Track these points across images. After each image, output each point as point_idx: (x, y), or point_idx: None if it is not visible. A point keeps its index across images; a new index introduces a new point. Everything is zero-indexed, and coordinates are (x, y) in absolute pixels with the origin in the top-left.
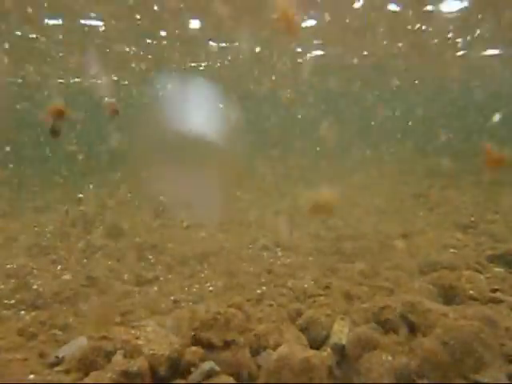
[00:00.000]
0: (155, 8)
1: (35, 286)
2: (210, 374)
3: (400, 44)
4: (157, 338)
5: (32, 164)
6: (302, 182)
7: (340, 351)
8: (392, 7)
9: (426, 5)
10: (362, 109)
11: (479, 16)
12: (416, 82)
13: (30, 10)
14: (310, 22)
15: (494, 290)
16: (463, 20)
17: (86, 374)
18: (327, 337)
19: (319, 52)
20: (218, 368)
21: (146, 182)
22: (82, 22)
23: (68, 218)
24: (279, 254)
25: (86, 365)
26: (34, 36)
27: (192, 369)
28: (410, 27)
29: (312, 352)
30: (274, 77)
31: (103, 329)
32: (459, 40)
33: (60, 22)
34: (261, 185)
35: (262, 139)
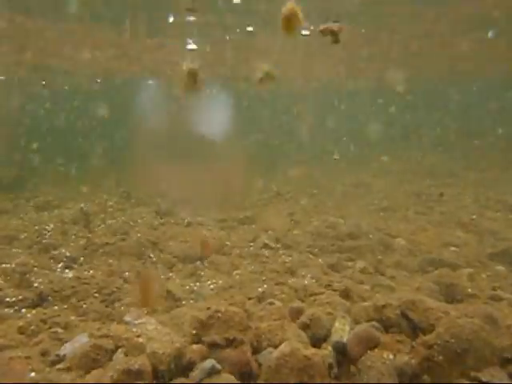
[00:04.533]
0: None
1: (36, 284)
2: (211, 373)
3: None
4: (158, 336)
5: (35, 162)
6: (302, 182)
7: (341, 349)
8: None
9: None
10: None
11: None
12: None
13: None
14: None
15: (495, 288)
16: None
17: (88, 372)
18: (328, 335)
19: None
20: (219, 366)
21: (147, 180)
22: None
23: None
24: (280, 252)
25: (88, 363)
26: None
27: (193, 367)
28: None
29: (313, 350)
30: None
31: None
32: None
33: None
34: (261, 184)
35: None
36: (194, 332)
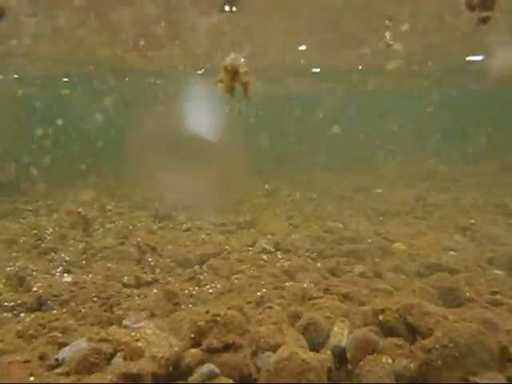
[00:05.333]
0: None
1: (35, 288)
2: (209, 377)
3: None
4: (157, 340)
5: (33, 165)
6: (301, 184)
7: (340, 353)
8: None
9: None
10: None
11: None
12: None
13: None
14: None
15: (494, 293)
16: None
17: (86, 376)
18: (327, 339)
19: None
20: (217, 370)
21: (146, 184)
22: None
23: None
24: (279, 256)
25: (86, 367)
26: None
27: (192, 371)
28: None
29: (312, 354)
30: None
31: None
32: None
33: None
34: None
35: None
36: (193, 336)
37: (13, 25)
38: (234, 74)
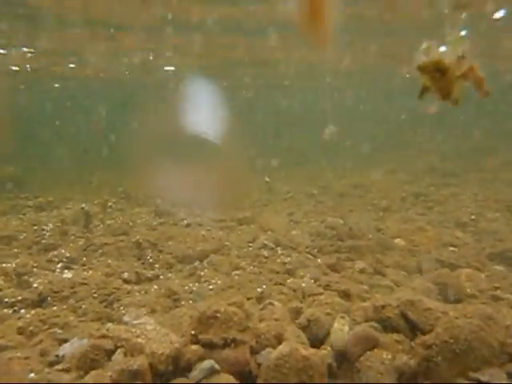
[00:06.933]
0: None
1: (35, 285)
2: (210, 373)
3: None
4: (157, 337)
5: (33, 162)
6: (300, 182)
7: (340, 350)
8: None
9: None
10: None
11: None
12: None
13: None
14: None
15: (495, 288)
16: None
17: (87, 373)
18: (327, 335)
19: None
20: (218, 367)
21: (146, 180)
22: None
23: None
24: (279, 252)
25: (87, 363)
26: None
27: (192, 367)
28: None
29: (312, 350)
30: None
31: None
32: None
33: None
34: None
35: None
36: (193, 332)
37: None
38: (441, 72)
